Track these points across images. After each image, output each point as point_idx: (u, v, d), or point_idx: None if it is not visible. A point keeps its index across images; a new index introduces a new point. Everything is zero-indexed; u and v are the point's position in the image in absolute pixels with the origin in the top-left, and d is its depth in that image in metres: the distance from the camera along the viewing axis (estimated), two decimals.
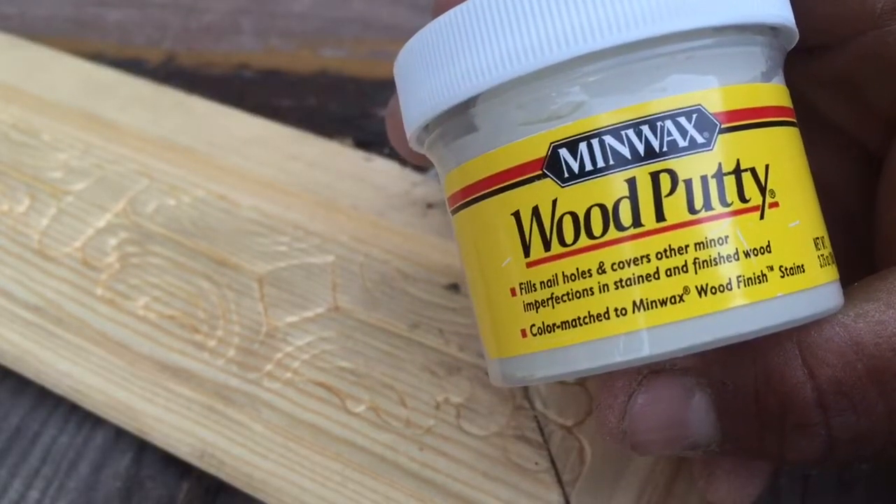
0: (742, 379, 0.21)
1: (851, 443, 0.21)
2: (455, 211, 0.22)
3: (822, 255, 0.20)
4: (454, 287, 0.31)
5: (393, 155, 0.36)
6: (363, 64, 0.42)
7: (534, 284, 0.20)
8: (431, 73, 0.21)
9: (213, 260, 0.33)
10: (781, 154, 0.20)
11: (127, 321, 0.32)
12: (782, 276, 0.19)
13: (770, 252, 0.19)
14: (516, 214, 0.20)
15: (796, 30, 0.21)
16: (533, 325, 0.20)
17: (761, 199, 0.19)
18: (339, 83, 0.41)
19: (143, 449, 0.30)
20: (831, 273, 0.20)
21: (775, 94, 0.20)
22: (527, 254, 0.20)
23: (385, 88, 0.40)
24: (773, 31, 0.20)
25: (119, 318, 0.32)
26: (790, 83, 0.22)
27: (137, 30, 0.45)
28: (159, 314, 0.32)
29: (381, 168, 0.35)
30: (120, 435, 0.31)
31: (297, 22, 0.44)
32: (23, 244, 0.34)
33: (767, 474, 0.25)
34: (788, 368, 0.21)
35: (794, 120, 0.21)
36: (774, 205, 0.19)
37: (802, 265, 0.19)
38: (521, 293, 0.20)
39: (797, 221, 0.20)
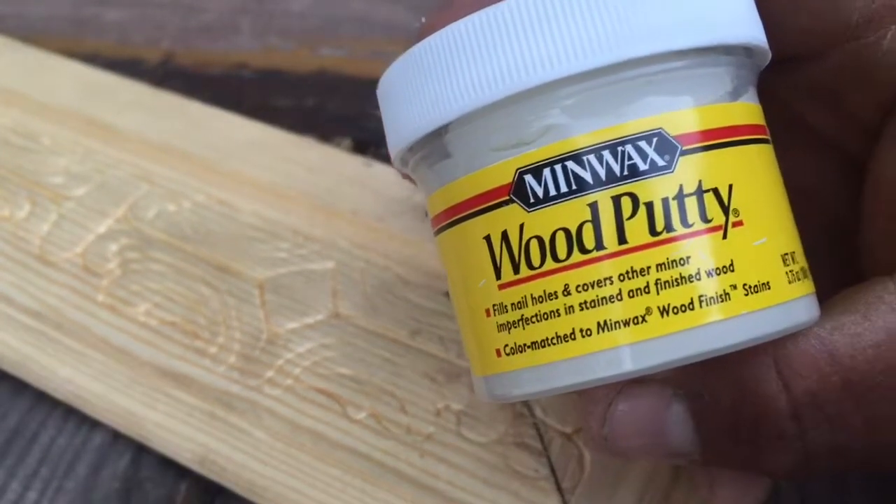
0: (719, 390, 0.22)
1: (828, 456, 0.21)
2: (437, 232, 0.22)
3: (792, 271, 0.20)
4: None
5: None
6: (362, 63, 0.42)
7: (505, 306, 0.20)
8: (408, 99, 0.21)
9: (213, 266, 0.33)
10: (747, 173, 0.20)
11: (128, 327, 0.32)
12: (746, 294, 0.19)
13: (733, 271, 0.19)
14: (487, 238, 0.20)
15: (766, 47, 0.21)
16: (506, 345, 0.21)
17: (724, 218, 0.19)
18: (338, 83, 0.41)
19: (141, 450, 0.30)
20: (803, 288, 0.21)
21: (743, 112, 0.21)
22: (498, 276, 0.20)
23: None
24: (743, 50, 0.21)
25: (120, 324, 0.32)
26: (775, 93, 0.23)
27: (135, 29, 0.45)
28: (160, 320, 0.32)
29: (382, 173, 0.35)
30: (118, 436, 0.31)
31: (296, 21, 0.44)
32: (24, 250, 0.34)
33: (769, 482, 0.25)
34: (763, 380, 0.21)
35: (766, 137, 0.21)
36: (738, 223, 0.20)
37: (768, 282, 0.20)
38: (495, 314, 0.21)
39: (763, 239, 0.20)
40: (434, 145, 0.21)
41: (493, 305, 0.21)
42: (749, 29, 0.21)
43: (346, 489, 0.28)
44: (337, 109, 0.40)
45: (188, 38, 0.44)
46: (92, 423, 0.31)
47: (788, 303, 0.20)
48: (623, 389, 0.23)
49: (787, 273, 0.20)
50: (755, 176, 0.20)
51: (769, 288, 0.20)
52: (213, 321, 0.32)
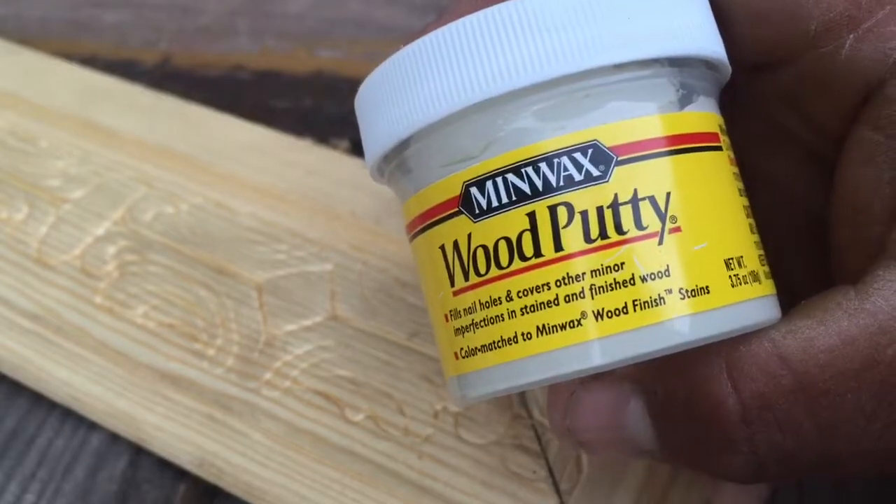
0: (672, 390, 0.22)
1: (779, 461, 0.21)
2: (410, 239, 0.23)
3: (737, 275, 0.20)
4: None
5: None
6: (359, 65, 0.42)
7: (458, 311, 0.22)
8: (377, 114, 0.22)
9: (211, 268, 0.33)
10: (690, 179, 0.20)
11: (126, 329, 0.32)
12: (682, 298, 0.20)
13: (669, 275, 0.20)
14: (442, 248, 0.22)
15: (717, 57, 0.22)
16: (461, 348, 0.22)
17: (660, 225, 0.20)
18: (335, 84, 0.41)
19: (139, 452, 0.30)
20: (751, 291, 0.21)
21: (688, 121, 0.21)
22: (452, 283, 0.22)
23: None
24: (690, 61, 0.21)
25: (118, 327, 0.32)
26: (752, 97, 0.23)
27: (133, 31, 0.45)
28: (158, 322, 0.32)
29: None
30: (116, 438, 0.31)
31: (293, 23, 0.44)
32: (21, 252, 0.34)
33: (768, 486, 0.25)
34: (714, 382, 0.21)
35: (717, 144, 0.21)
36: (676, 230, 0.20)
37: (707, 286, 0.20)
38: (451, 319, 0.22)
39: (703, 244, 0.20)
40: (399, 159, 0.22)
41: (450, 311, 0.22)
42: (693, 41, 0.21)
43: (345, 491, 0.28)
44: (334, 111, 0.40)
45: (186, 39, 0.44)
46: (90, 425, 0.31)
47: (732, 306, 0.20)
48: (584, 382, 0.23)
49: (730, 277, 0.20)
50: (699, 183, 0.21)
51: (708, 292, 0.20)
52: (211, 323, 0.32)
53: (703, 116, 0.21)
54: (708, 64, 0.22)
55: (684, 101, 0.21)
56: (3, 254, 0.34)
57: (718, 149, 0.21)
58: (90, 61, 0.41)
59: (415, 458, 0.28)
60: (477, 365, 0.21)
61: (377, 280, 0.32)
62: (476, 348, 0.21)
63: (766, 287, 0.21)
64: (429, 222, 0.22)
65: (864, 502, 0.27)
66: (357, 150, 0.37)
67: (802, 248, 0.23)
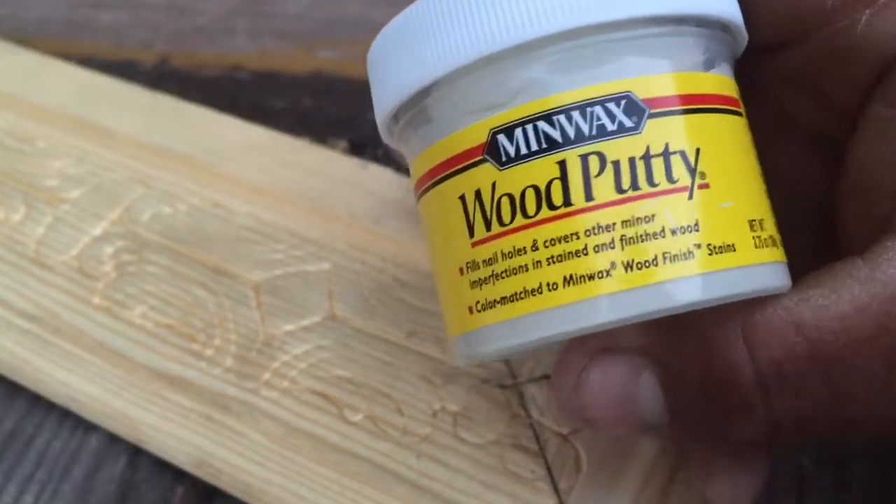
0: (686, 358, 0.22)
1: (794, 426, 0.21)
2: (419, 197, 0.23)
3: (759, 237, 0.21)
4: None
5: (388, 161, 0.36)
6: (358, 65, 0.42)
7: (477, 263, 0.21)
8: (394, 65, 0.22)
9: (209, 268, 0.33)
10: (716, 139, 0.21)
11: (124, 330, 0.32)
12: (710, 254, 0.20)
13: (698, 230, 0.20)
14: (462, 198, 0.21)
15: (740, 24, 0.22)
16: (477, 301, 0.21)
17: (690, 180, 0.20)
18: (334, 84, 0.41)
19: (137, 453, 0.30)
20: (771, 255, 0.21)
21: (714, 83, 0.21)
22: (471, 234, 0.21)
23: None
24: (715, 24, 0.21)
25: (116, 327, 0.32)
26: (756, 82, 0.23)
27: (130, 31, 0.44)
28: (156, 323, 0.32)
29: (377, 175, 0.35)
30: (114, 439, 0.31)
31: (292, 23, 0.44)
32: (19, 252, 0.34)
33: (765, 471, 0.25)
34: (729, 348, 0.21)
35: (739, 110, 0.22)
36: (704, 186, 0.20)
37: (733, 244, 0.20)
38: (468, 272, 0.21)
39: (729, 203, 0.20)
40: (416, 109, 0.22)
41: (467, 263, 0.21)
42: (724, 4, 0.21)
43: (343, 491, 0.28)
44: (333, 111, 0.40)
45: (183, 39, 0.44)
46: (88, 426, 0.31)
47: (754, 266, 0.20)
48: (594, 357, 0.23)
49: (753, 238, 0.20)
50: (724, 143, 0.21)
51: (734, 249, 0.20)
52: (209, 323, 0.32)
53: (726, 81, 0.22)
54: (726, 32, 0.22)
55: (708, 64, 0.21)
56: (1, 254, 0.34)
57: (739, 114, 0.22)
58: (88, 62, 0.41)
59: (413, 458, 0.28)
60: (496, 317, 0.21)
61: (375, 280, 0.32)
62: (495, 300, 0.21)
63: (781, 253, 0.21)
64: (447, 173, 0.21)
65: (864, 488, 0.27)
66: (355, 150, 0.37)
67: (805, 233, 0.23)
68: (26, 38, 0.43)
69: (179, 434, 0.29)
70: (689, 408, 0.22)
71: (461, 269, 0.21)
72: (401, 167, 0.35)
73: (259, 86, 0.41)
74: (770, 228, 0.21)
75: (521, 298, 0.20)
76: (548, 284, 0.20)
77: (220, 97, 0.39)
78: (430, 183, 0.22)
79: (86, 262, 0.34)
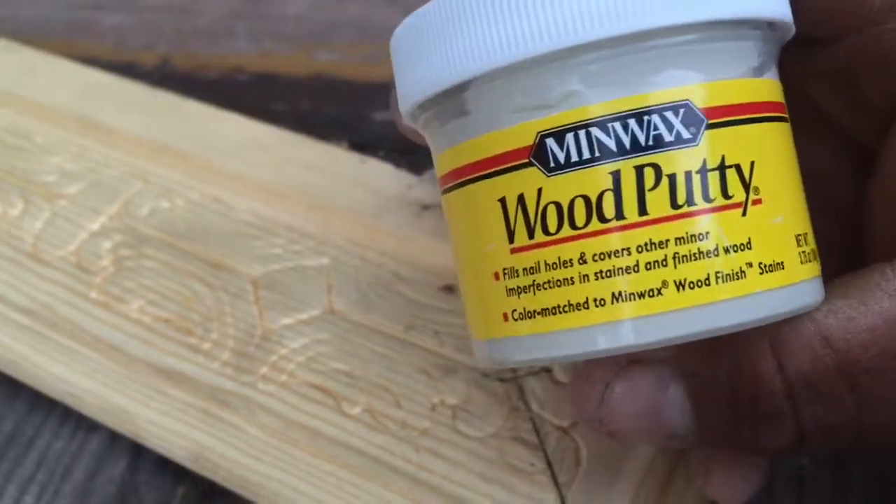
0: (716, 370, 0.22)
1: (821, 434, 0.21)
2: (445, 191, 0.22)
3: (804, 252, 0.20)
4: (449, 289, 0.31)
5: (388, 157, 0.36)
6: (358, 67, 0.42)
7: (517, 270, 0.20)
8: (428, 53, 0.21)
9: (207, 262, 0.33)
10: (768, 150, 0.20)
11: (121, 324, 0.32)
12: (761, 273, 0.19)
13: (750, 248, 0.19)
14: (502, 201, 0.20)
15: (792, 24, 0.21)
16: (514, 309, 0.20)
17: (745, 195, 0.19)
18: (334, 86, 0.41)
19: (138, 454, 0.30)
20: (812, 269, 0.21)
21: (766, 89, 0.20)
22: (511, 240, 0.20)
23: (380, 91, 0.40)
24: (767, 25, 0.20)
25: (113, 322, 0.32)
26: (789, 76, 0.22)
27: (132, 33, 0.45)
28: (154, 317, 0.32)
29: (376, 170, 0.35)
30: (115, 440, 0.30)
31: (292, 25, 0.44)
32: (17, 248, 0.34)
33: (764, 468, 0.25)
34: (759, 360, 0.21)
35: (786, 115, 0.21)
36: (758, 201, 0.19)
37: (782, 262, 0.20)
38: (504, 278, 0.20)
39: (780, 218, 0.20)
40: (451, 101, 0.21)
41: (504, 269, 0.20)
42: (777, 4, 0.20)
43: (341, 485, 0.28)
44: (333, 113, 0.40)
45: (184, 41, 0.44)
46: (88, 428, 0.31)
47: (800, 284, 0.20)
48: (620, 372, 0.23)
49: (799, 254, 0.20)
50: (775, 154, 0.20)
51: (783, 268, 0.20)
52: (206, 317, 0.31)
53: (776, 85, 0.21)
54: (774, 30, 0.21)
55: (763, 68, 0.20)
56: None
57: (787, 120, 0.21)
58: (89, 63, 0.41)
59: (412, 452, 0.28)
60: (535, 328, 0.20)
61: (374, 274, 0.32)
62: (536, 311, 0.20)
63: (819, 266, 0.21)
64: (484, 172, 0.20)
65: (864, 489, 0.27)
66: (355, 151, 0.37)
67: (829, 233, 0.23)
68: (28, 39, 0.43)
69: (177, 428, 0.29)
70: (718, 419, 0.22)
71: (496, 275, 0.21)
72: (400, 163, 0.35)
73: (259, 87, 0.41)
74: (811, 241, 0.21)
75: (565, 312, 0.19)
76: (595, 300, 0.19)
77: (220, 99, 0.39)
78: (462, 180, 0.21)
79: (83, 257, 0.33)
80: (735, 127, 0.19)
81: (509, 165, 0.20)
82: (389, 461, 0.28)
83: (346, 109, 0.40)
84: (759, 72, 0.20)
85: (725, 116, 0.19)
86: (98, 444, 0.31)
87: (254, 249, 0.33)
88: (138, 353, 0.31)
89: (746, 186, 0.19)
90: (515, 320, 0.20)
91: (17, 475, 0.30)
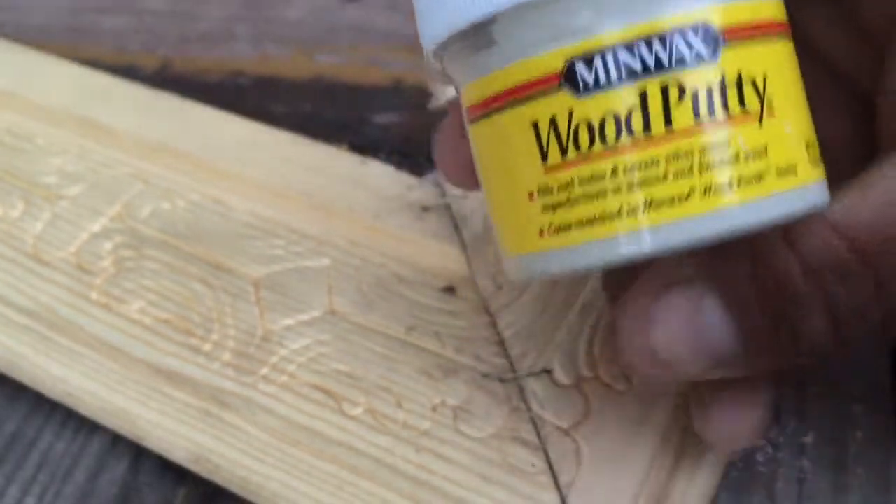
0: (739, 274, 0.22)
1: (852, 316, 0.22)
2: (473, 121, 0.23)
3: (812, 157, 0.22)
4: (450, 290, 0.31)
5: (388, 159, 0.36)
6: (358, 70, 0.42)
7: (551, 188, 0.21)
8: None
9: (208, 263, 0.33)
10: (778, 65, 0.21)
11: (122, 325, 0.32)
12: (777, 177, 0.21)
13: (767, 155, 0.20)
14: (535, 124, 0.21)
15: None
16: (550, 224, 0.21)
17: (760, 107, 0.20)
18: (335, 89, 0.41)
19: (139, 456, 0.30)
20: (820, 173, 0.22)
21: (773, 8, 0.21)
22: (545, 160, 0.21)
23: (381, 95, 0.40)
24: None
25: (114, 322, 0.32)
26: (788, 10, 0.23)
27: (132, 37, 0.45)
28: (154, 318, 0.32)
29: (377, 171, 0.35)
30: (116, 442, 0.30)
31: (292, 28, 0.44)
32: (17, 248, 0.34)
33: (764, 407, 0.25)
34: (777, 257, 0.22)
35: (789, 33, 0.22)
36: (771, 112, 0.21)
37: (795, 165, 0.21)
38: (539, 196, 0.21)
39: (790, 127, 0.21)
40: (479, 34, 0.21)
41: (538, 188, 0.21)
42: None
43: (342, 486, 0.28)
44: (333, 116, 0.40)
45: (185, 45, 0.44)
46: (90, 429, 0.31)
47: (811, 185, 0.21)
48: (656, 296, 0.23)
49: (809, 159, 0.21)
50: (784, 69, 0.21)
51: (795, 172, 0.21)
52: (207, 318, 0.31)
53: (780, 5, 0.22)
54: None
55: None
56: None
57: (790, 38, 0.22)
58: (90, 67, 0.41)
59: (413, 452, 0.28)
60: (572, 240, 0.21)
61: (375, 275, 0.32)
62: (571, 224, 0.21)
63: (824, 170, 0.22)
64: (514, 99, 0.21)
65: (864, 491, 0.27)
66: (355, 152, 0.37)
67: (844, 122, 0.23)
68: (28, 43, 0.43)
69: (177, 429, 0.29)
70: (755, 321, 0.23)
71: (531, 194, 0.22)
72: (401, 164, 0.36)
73: (260, 91, 0.42)
74: (816, 148, 0.22)
75: (601, 222, 0.21)
76: (629, 209, 0.20)
77: (221, 102, 0.39)
78: (491, 108, 0.22)
79: (84, 258, 0.33)
80: (749, 44, 0.20)
81: (540, 91, 0.21)
82: (390, 462, 0.28)
83: (347, 112, 0.40)
84: None
85: (741, 34, 0.20)
86: (99, 445, 0.31)
87: (254, 250, 0.33)
88: (139, 354, 0.31)
89: (761, 99, 0.20)
90: (551, 234, 0.22)
91: (18, 476, 0.30)
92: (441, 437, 0.28)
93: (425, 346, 0.30)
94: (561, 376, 0.29)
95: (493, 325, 0.31)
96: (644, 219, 0.20)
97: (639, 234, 0.20)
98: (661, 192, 0.20)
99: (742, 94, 0.20)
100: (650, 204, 0.20)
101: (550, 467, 0.27)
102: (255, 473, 0.28)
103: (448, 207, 0.34)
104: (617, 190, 0.20)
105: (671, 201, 0.20)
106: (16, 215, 0.35)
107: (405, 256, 0.32)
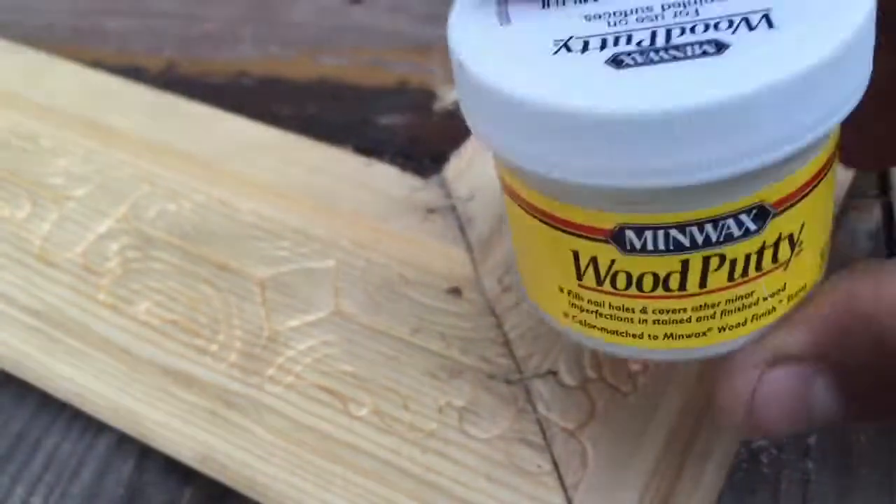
0: (860, 358, 0.22)
1: None
2: (511, 199, 0.23)
3: (823, 263, 0.22)
4: (456, 291, 0.32)
5: (393, 161, 0.36)
6: (363, 72, 0.42)
7: (581, 297, 0.22)
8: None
9: (214, 264, 0.33)
10: (814, 209, 0.21)
11: (128, 326, 0.32)
12: (789, 301, 0.22)
13: (784, 290, 0.21)
14: (575, 252, 0.21)
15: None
16: (575, 317, 0.23)
17: (790, 254, 0.21)
18: (339, 91, 0.41)
19: (145, 456, 0.30)
20: (822, 270, 0.23)
21: (822, 158, 0.21)
22: (579, 279, 0.22)
23: (385, 96, 0.40)
24: None
25: (121, 323, 0.32)
26: None
27: (137, 38, 0.45)
28: (161, 319, 0.32)
29: (382, 173, 0.35)
30: (122, 442, 0.30)
31: (297, 30, 0.45)
32: (24, 250, 0.34)
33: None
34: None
35: (834, 163, 0.21)
36: (799, 252, 0.21)
37: (805, 284, 0.22)
38: (569, 296, 0.23)
39: (812, 254, 0.22)
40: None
41: (569, 290, 0.22)
42: (858, 81, 0.20)
43: (348, 486, 0.28)
44: (337, 117, 0.40)
45: (189, 46, 0.44)
46: (96, 429, 0.31)
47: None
48: (764, 374, 0.23)
49: (820, 267, 0.22)
50: (819, 208, 0.21)
51: (805, 288, 0.22)
52: (214, 319, 0.32)
53: (831, 147, 0.21)
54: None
55: (819, 144, 0.20)
56: (6, 251, 0.34)
57: (833, 167, 0.22)
58: (94, 68, 0.41)
59: (419, 453, 0.28)
60: (593, 335, 0.23)
61: (380, 276, 0.32)
62: (595, 326, 0.23)
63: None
64: (561, 225, 0.21)
65: (867, 493, 0.27)
66: (360, 154, 0.37)
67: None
68: (33, 44, 0.43)
69: (184, 429, 0.29)
70: (867, 396, 0.22)
71: (561, 289, 0.22)
72: (405, 166, 0.36)
73: (264, 92, 0.42)
74: (826, 243, 0.22)
75: (621, 336, 0.22)
76: (649, 335, 0.22)
77: (225, 103, 0.40)
78: (531, 211, 0.22)
79: (91, 259, 0.34)
80: (795, 206, 0.20)
81: (586, 234, 0.21)
82: (396, 463, 0.28)
83: (351, 114, 0.40)
84: (816, 151, 0.20)
85: (790, 201, 0.20)
86: (105, 445, 0.31)
87: (260, 251, 0.33)
88: (145, 355, 0.31)
89: (793, 248, 0.21)
90: (575, 323, 0.23)
91: (24, 476, 0.30)
92: (447, 438, 0.28)
93: (431, 347, 0.30)
94: (566, 378, 0.29)
95: (499, 326, 0.31)
96: (662, 344, 0.22)
97: (653, 352, 0.22)
98: (682, 329, 0.22)
99: (777, 251, 0.21)
100: (670, 336, 0.22)
101: (556, 468, 0.27)
102: (262, 474, 0.28)
103: (453, 209, 0.34)
104: (643, 322, 0.22)
105: (689, 336, 0.22)
106: (22, 216, 0.35)
107: (411, 258, 0.32)
